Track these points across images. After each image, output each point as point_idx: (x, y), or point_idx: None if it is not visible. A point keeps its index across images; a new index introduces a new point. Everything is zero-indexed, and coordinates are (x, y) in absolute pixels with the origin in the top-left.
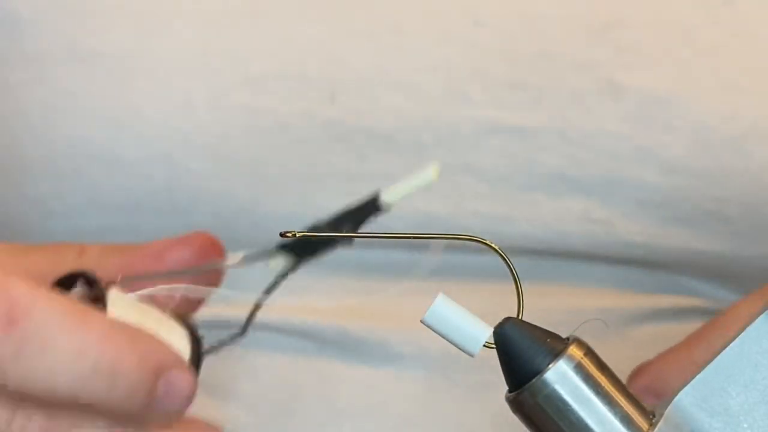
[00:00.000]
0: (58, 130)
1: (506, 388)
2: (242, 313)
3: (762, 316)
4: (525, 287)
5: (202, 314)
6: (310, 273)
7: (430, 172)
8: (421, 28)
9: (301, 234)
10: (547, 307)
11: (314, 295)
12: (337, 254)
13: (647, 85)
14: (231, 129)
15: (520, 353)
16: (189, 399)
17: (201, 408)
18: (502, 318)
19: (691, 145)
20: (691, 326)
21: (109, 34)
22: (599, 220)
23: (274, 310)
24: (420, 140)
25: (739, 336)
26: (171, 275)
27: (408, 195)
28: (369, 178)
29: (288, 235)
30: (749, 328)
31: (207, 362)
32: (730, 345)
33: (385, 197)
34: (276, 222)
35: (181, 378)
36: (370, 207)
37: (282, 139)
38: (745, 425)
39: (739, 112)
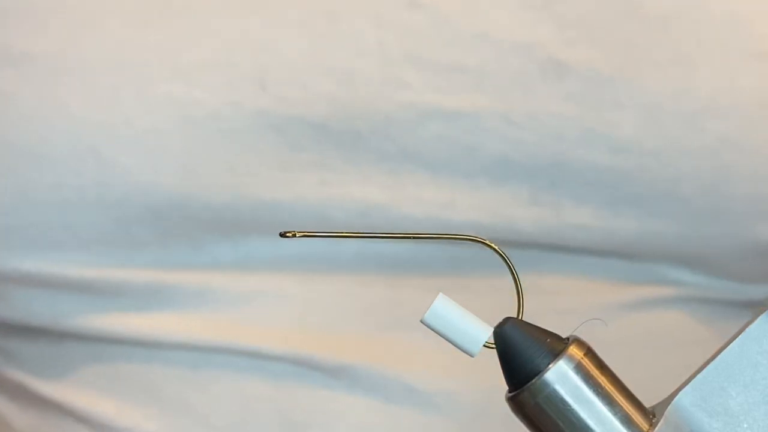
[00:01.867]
0: None
1: (467, 397)
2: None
3: (762, 316)
4: (477, 279)
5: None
6: (256, 274)
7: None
8: (354, 11)
9: (301, 234)
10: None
11: (260, 300)
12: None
13: (592, 63)
14: (160, 121)
15: (520, 353)
16: None
17: (153, 420)
18: (502, 318)
19: (642, 123)
20: (665, 318)
21: (40, 34)
22: (546, 203)
23: (219, 330)
24: (355, 128)
25: (739, 336)
26: None
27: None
28: (303, 167)
29: (288, 235)
30: (749, 328)
31: (158, 375)
32: (730, 345)
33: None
34: (209, 213)
35: None
36: None
37: (212, 130)
38: (745, 425)
39: (693, 87)
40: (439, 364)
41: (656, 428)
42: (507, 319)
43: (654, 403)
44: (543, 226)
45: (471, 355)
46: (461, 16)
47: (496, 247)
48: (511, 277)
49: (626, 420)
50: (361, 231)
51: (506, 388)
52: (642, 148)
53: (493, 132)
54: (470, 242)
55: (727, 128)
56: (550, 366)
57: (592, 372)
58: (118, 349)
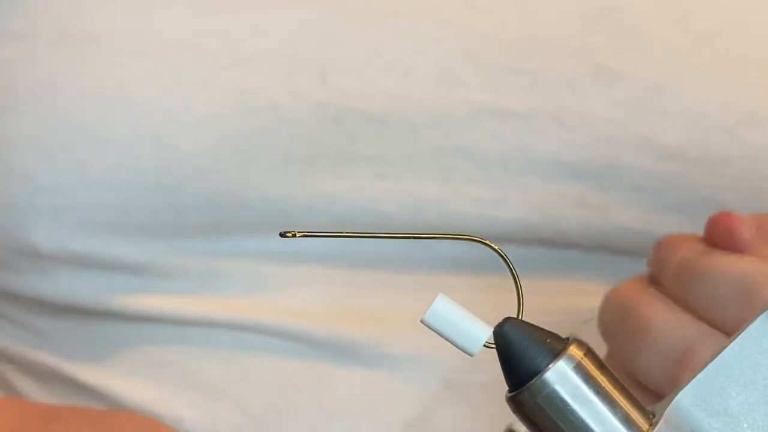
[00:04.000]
0: (47, 108)
1: (502, 389)
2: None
3: (762, 316)
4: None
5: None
6: (304, 265)
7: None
8: (414, 10)
9: (302, 234)
10: (542, 307)
11: (307, 288)
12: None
13: (642, 71)
14: (220, 109)
15: (520, 353)
16: None
17: (191, 407)
18: (502, 318)
19: (687, 131)
20: None
21: (100, 14)
22: (594, 205)
23: (264, 311)
24: (412, 122)
25: (739, 336)
26: None
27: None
28: (360, 159)
29: (288, 235)
30: (749, 328)
31: (198, 361)
32: (730, 345)
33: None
34: (265, 203)
35: None
36: None
37: (272, 119)
38: (745, 425)
39: (736, 100)
40: (478, 356)
41: (656, 428)
42: (507, 319)
43: None
44: (589, 227)
45: (471, 355)
46: (518, 19)
47: (497, 248)
48: (514, 278)
49: (626, 420)
50: (411, 229)
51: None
52: (686, 155)
53: (544, 133)
54: (471, 242)
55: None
56: (550, 366)
57: (592, 372)
58: (159, 330)
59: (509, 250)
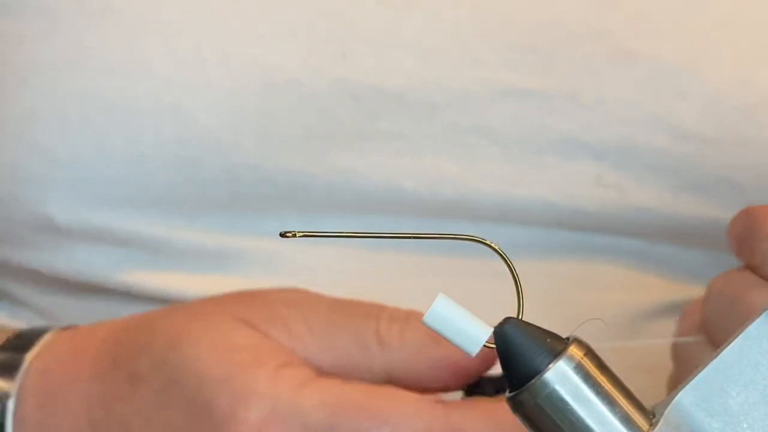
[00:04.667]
0: (68, 81)
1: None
2: None
3: (762, 316)
4: (535, 263)
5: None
6: (321, 248)
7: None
8: None
9: (302, 234)
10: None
11: (325, 272)
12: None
13: (659, 52)
14: (241, 83)
15: (520, 353)
16: None
17: None
18: (502, 318)
19: (703, 112)
20: None
21: None
22: (611, 184)
23: None
24: (431, 100)
25: (739, 336)
26: None
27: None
28: (379, 136)
29: (288, 235)
30: (749, 328)
31: None
32: (730, 345)
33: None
34: (284, 177)
35: None
36: None
37: (292, 95)
38: (745, 425)
39: (752, 81)
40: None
41: (656, 428)
42: (507, 319)
43: None
44: (606, 207)
45: (471, 355)
46: (536, 0)
47: (497, 248)
48: (514, 278)
49: (626, 420)
50: (429, 206)
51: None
52: (702, 136)
53: (562, 112)
54: (471, 242)
55: None
56: (550, 366)
57: (592, 372)
58: None
59: (528, 233)
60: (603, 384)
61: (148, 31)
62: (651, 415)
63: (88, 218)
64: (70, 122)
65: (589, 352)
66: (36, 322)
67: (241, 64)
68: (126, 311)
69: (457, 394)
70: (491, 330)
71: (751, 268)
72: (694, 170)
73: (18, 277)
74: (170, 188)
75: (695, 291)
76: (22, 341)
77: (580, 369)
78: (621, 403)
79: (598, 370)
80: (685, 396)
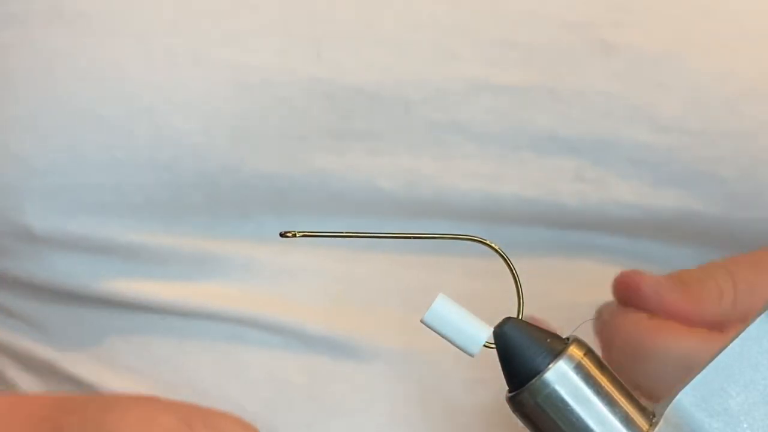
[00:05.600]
0: (42, 90)
1: (498, 384)
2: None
3: (762, 316)
4: (516, 261)
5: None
6: (299, 253)
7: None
8: None
9: (302, 234)
10: (546, 304)
11: (303, 277)
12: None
13: (639, 43)
14: (214, 85)
15: (520, 353)
16: None
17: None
18: (502, 318)
19: (685, 104)
20: None
21: None
22: (591, 179)
23: (259, 304)
24: (406, 97)
25: (739, 336)
26: None
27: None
28: (354, 135)
29: (288, 235)
30: (749, 328)
31: (192, 356)
32: (730, 345)
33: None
34: (260, 180)
35: None
36: None
37: (265, 95)
38: (745, 425)
39: (734, 72)
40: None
41: (656, 428)
42: (507, 319)
43: None
44: (587, 202)
45: (471, 355)
46: None
47: (497, 248)
48: (514, 278)
49: (626, 420)
50: (407, 205)
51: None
52: (684, 128)
53: (540, 107)
54: (471, 242)
55: (767, 113)
56: (550, 366)
57: (592, 372)
58: (154, 322)
59: (509, 231)
60: (603, 384)
61: (121, 36)
62: (651, 415)
63: (65, 226)
64: (44, 130)
65: (589, 352)
66: (24, 331)
67: (214, 66)
68: (108, 320)
69: None
70: (491, 330)
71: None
72: (675, 163)
73: (7, 287)
74: (146, 193)
75: None
76: None
77: (580, 369)
78: (621, 403)
79: (598, 370)
80: (685, 396)
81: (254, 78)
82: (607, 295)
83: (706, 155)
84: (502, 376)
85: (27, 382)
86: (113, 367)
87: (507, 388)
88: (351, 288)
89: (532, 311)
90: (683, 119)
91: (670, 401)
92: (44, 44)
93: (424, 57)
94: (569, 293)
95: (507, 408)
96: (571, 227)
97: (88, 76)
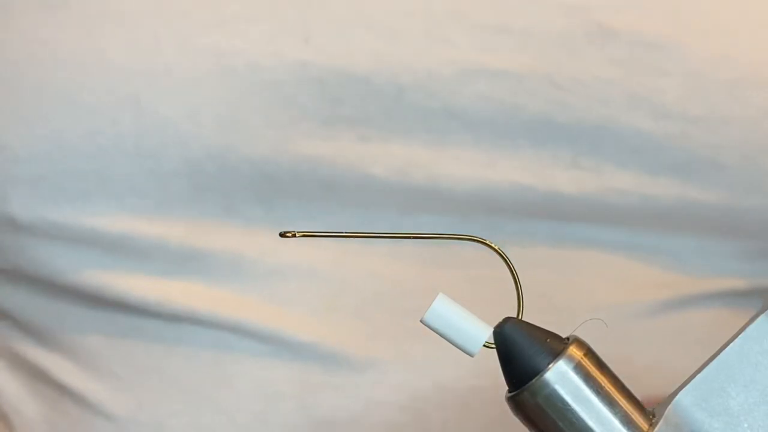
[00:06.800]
0: (25, 78)
1: (492, 392)
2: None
3: (762, 316)
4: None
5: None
6: (287, 254)
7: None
8: None
9: (301, 234)
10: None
11: (293, 280)
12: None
13: (638, 28)
14: (200, 71)
15: (520, 353)
16: None
17: (174, 415)
18: (502, 318)
19: (685, 89)
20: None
21: None
22: (588, 167)
23: (249, 310)
24: (398, 83)
25: (739, 336)
26: None
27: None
28: (344, 122)
29: (288, 235)
30: (749, 328)
31: (181, 364)
32: (730, 345)
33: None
34: (247, 167)
35: None
36: None
37: (253, 81)
38: (745, 425)
39: (734, 56)
40: (468, 359)
41: (656, 428)
42: (507, 319)
43: None
44: (583, 190)
45: (471, 355)
46: None
47: (497, 248)
48: (514, 278)
49: (626, 420)
50: (397, 193)
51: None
52: (684, 114)
53: (536, 93)
54: (471, 242)
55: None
56: (550, 366)
57: (592, 372)
58: (139, 324)
59: (506, 225)
60: (603, 384)
61: (105, 22)
62: (651, 415)
63: (48, 215)
64: (28, 119)
65: (589, 352)
66: (10, 329)
67: (200, 51)
68: (92, 321)
69: None
70: (491, 330)
71: None
72: (675, 150)
73: None
74: (131, 181)
75: (686, 282)
76: None
77: (580, 369)
78: (621, 403)
79: (598, 370)
80: (685, 396)
81: (240, 63)
82: (607, 294)
83: (706, 142)
84: (497, 384)
85: (14, 387)
86: (99, 373)
87: (504, 393)
88: (342, 291)
89: (531, 311)
90: (682, 105)
91: (670, 401)
92: (28, 31)
93: (416, 42)
94: (569, 291)
95: (501, 416)
96: (569, 218)
97: (70, 62)
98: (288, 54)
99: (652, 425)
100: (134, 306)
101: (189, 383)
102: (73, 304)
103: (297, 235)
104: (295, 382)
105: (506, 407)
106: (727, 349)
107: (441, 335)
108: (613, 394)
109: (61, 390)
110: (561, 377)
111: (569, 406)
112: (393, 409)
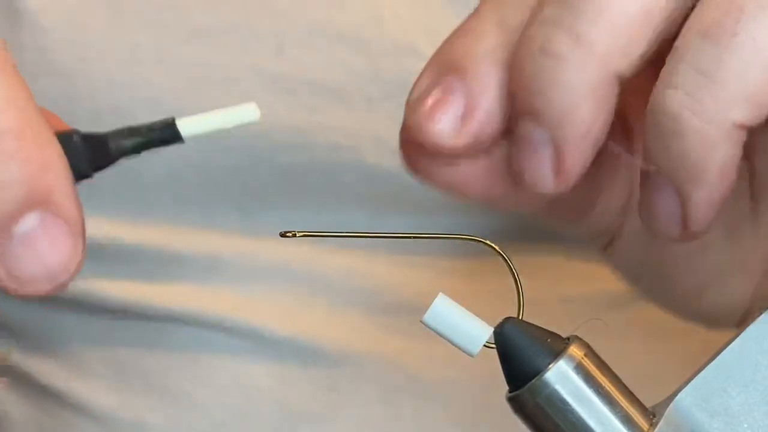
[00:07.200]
0: None
1: (467, 384)
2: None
3: (762, 316)
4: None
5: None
6: (264, 255)
7: (250, 113)
8: None
9: (302, 234)
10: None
11: (269, 279)
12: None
13: None
14: (177, 83)
15: (520, 353)
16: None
17: (153, 411)
18: (502, 318)
19: None
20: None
21: None
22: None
23: (225, 306)
24: (368, 94)
25: (739, 336)
26: None
27: (213, 131)
28: (317, 131)
29: (288, 234)
30: (749, 328)
31: (160, 363)
32: (730, 345)
33: (184, 127)
34: (224, 175)
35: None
36: (165, 132)
37: (229, 93)
38: (746, 425)
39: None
40: (440, 352)
41: (656, 428)
42: (507, 319)
43: None
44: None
45: (471, 355)
46: None
47: (497, 248)
48: (514, 278)
49: (626, 420)
50: (369, 199)
51: (504, 380)
52: None
53: None
54: (471, 241)
55: None
56: (550, 366)
57: (592, 372)
58: (119, 327)
59: (486, 222)
60: (603, 384)
61: (82, 33)
62: (651, 415)
63: None
64: None
65: (590, 352)
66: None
67: (176, 63)
68: (76, 324)
69: None
70: (491, 330)
71: None
72: None
73: None
74: (112, 192)
75: None
76: None
77: (580, 369)
78: (621, 403)
79: (599, 369)
80: (686, 396)
81: (215, 75)
82: (607, 293)
83: None
84: (471, 376)
85: None
86: (81, 373)
87: (479, 385)
88: (318, 287)
89: (531, 310)
90: None
91: (671, 401)
92: (7, 40)
93: (384, 53)
94: (569, 289)
95: (474, 407)
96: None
97: (51, 74)
98: (263, 66)
99: (652, 425)
100: (115, 308)
101: (168, 380)
102: (55, 308)
103: (297, 235)
104: (272, 376)
105: (479, 398)
106: (727, 349)
107: (441, 335)
108: (613, 394)
109: (45, 390)
110: (561, 377)
111: (570, 406)
112: (368, 402)
